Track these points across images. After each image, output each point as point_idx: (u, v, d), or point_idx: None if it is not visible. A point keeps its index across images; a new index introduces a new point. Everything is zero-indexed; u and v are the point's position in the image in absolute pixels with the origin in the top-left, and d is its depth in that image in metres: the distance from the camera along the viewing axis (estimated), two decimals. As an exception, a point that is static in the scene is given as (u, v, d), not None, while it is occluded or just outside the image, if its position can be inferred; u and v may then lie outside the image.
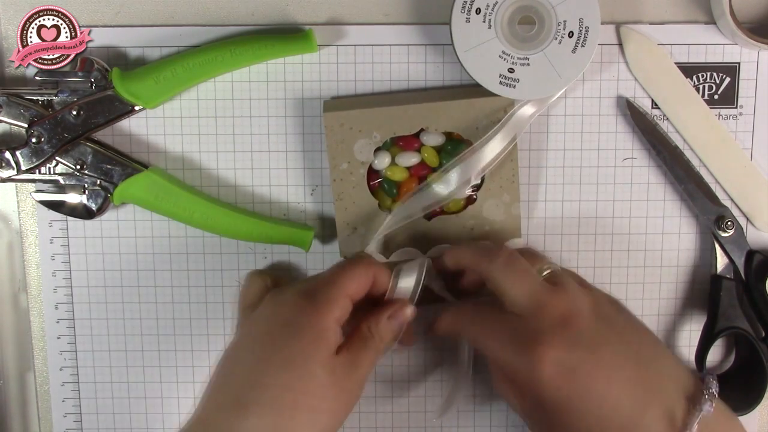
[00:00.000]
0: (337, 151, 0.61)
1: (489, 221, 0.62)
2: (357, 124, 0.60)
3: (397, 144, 0.62)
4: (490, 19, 0.58)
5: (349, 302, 0.56)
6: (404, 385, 0.67)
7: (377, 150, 0.61)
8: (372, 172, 0.62)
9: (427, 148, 0.62)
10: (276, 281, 0.62)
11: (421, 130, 0.61)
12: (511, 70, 0.58)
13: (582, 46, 0.58)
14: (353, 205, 0.62)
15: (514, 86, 0.58)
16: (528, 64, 0.58)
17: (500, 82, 0.58)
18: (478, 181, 0.62)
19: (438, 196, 0.61)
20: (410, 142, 0.62)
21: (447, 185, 0.61)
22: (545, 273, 0.57)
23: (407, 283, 0.59)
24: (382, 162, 0.62)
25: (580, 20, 0.57)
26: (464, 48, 0.58)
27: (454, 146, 0.61)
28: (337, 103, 0.62)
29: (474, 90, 0.61)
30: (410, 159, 0.62)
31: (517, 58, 0.58)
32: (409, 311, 0.58)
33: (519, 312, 0.54)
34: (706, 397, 0.52)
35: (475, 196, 0.62)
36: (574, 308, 0.54)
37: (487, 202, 0.62)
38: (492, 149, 0.60)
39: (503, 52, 0.58)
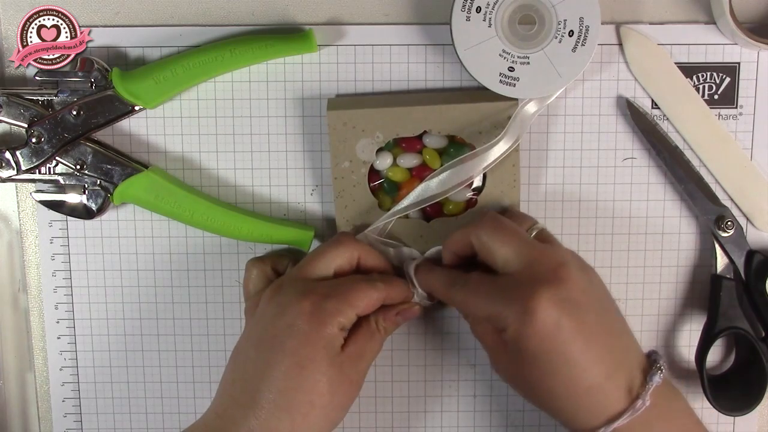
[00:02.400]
0: (339, 150, 0.61)
1: None
2: (360, 123, 0.60)
3: (399, 145, 0.62)
4: (490, 18, 0.58)
5: (356, 315, 0.57)
6: (404, 384, 0.67)
7: (379, 150, 0.61)
8: (373, 172, 0.62)
9: (429, 150, 0.62)
10: (275, 266, 0.62)
11: (424, 132, 0.61)
12: (511, 69, 0.58)
13: (582, 45, 0.58)
14: (353, 203, 0.62)
15: (514, 85, 0.58)
16: (528, 63, 0.58)
17: (500, 81, 0.58)
18: (480, 184, 0.62)
19: (433, 191, 0.61)
20: (413, 143, 0.62)
21: (444, 184, 0.60)
22: (534, 233, 0.58)
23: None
24: (384, 162, 0.62)
25: (581, 19, 0.57)
26: (464, 46, 0.58)
27: (457, 149, 0.61)
28: (341, 102, 0.62)
29: (478, 93, 0.61)
30: (412, 160, 0.62)
31: (518, 57, 0.58)
32: (417, 309, 0.60)
33: (511, 270, 0.55)
34: (659, 369, 0.54)
35: (475, 199, 0.62)
36: (564, 264, 0.54)
37: (487, 207, 0.62)
38: (495, 153, 0.60)
39: (503, 51, 0.58)
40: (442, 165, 0.61)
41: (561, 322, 0.52)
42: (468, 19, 0.58)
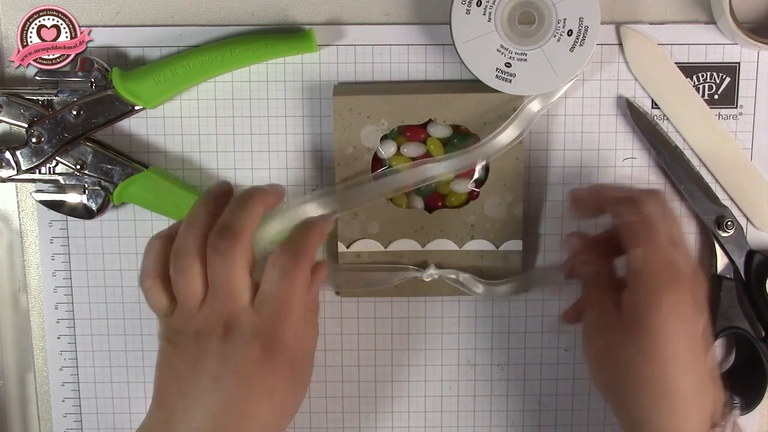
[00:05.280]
0: (343, 136, 0.61)
1: (490, 219, 0.62)
2: (366, 109, 0.61)
3: (404, 133, 0.62)
4: (490, 12, 0.58)
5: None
6: (404, 384, 0.67)
7: (383, 138, 0.62)
8: (376, 160, 0.62)
9: (433, 139, 0.62)
10: None
11: (429, 120, 0.61)
12: (508, 65, 0.58)
13: (580, 45, 0.58)
14: None
15: (510, 81, 0.58)
16: (525, 60, 0.58)
17: (497, 76, 0.58)
18: (482, 175, 0.62)
19: (430, 174, 0.61)
20: (417, 132, 0.62)
21: (445, 169, 0.60)
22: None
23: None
24: (388, 151, 0.62)
25: (580, 19, 0.58)
26: (463, 39, 0.58)
27: (461, 140, 0.61)
28: (347, 88, 0.62)
29: (484, 85, 0.60)
30: (416, 150, 0.62)
31: (515, 53, 0.58)
32: (324, 269, 0.58)
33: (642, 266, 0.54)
34: (736, 405, 0.55)
35: (477, 192, 0.62)
36: (700, 276, 0.55)
37: (489, 199, 0.62)
38: (498, 145, 0.60)
39: (501, 47, 0.58)
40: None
41: (688, 318, 0.53)
42: (468, 12, 0.58)
